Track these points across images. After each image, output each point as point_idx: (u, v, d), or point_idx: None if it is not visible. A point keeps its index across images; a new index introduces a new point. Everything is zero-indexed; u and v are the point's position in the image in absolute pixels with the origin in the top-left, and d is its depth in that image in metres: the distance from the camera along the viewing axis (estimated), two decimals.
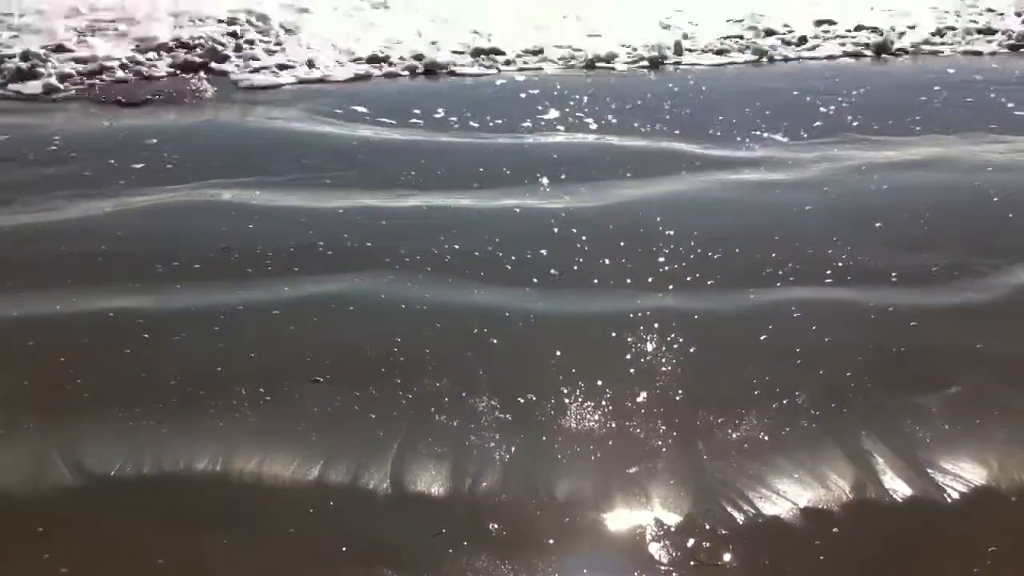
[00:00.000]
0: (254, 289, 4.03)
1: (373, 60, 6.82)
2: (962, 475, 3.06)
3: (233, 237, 4.45)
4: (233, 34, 7.06)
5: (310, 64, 6.67)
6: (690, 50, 7.70)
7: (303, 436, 3.22)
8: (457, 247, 4.38)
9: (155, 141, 5.57)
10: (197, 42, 6.83)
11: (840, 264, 4.22)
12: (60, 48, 6.74)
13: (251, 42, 7.00)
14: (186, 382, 3.48)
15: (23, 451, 3.15)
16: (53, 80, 6.28)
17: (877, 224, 4.59)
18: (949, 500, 2.98)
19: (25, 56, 6.47)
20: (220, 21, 7.32)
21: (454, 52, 7.08)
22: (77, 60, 6.52)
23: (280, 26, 7.20)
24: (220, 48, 6.74)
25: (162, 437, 3.22)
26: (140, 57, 6.55)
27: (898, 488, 3.01)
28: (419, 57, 6.94)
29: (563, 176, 5.12)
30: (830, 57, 7.73)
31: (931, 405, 3.40)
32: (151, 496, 3.00)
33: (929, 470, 3.07)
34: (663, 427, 3.28)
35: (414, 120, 5.99)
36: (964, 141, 5.64)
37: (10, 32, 7.08)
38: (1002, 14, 8.69)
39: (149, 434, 3.24)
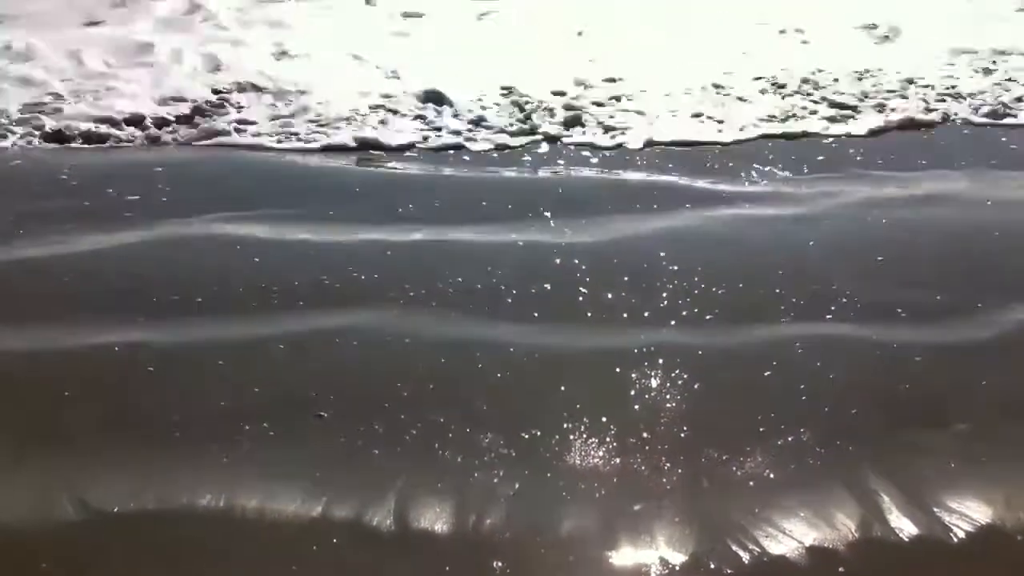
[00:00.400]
0: (259, 323, 4.03)
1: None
2: (969, 514, 3.05)
3: (238, 270, 4.47)
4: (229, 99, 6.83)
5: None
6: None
7: (307, 472, 3.21)
8: (460, 280, 4.38)
9: (160, 170, 5.59)
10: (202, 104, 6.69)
11: (844, 300, 4.23)
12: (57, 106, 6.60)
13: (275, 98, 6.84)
14: (190, 417, 3.48)
15: (26, 486, 3.14)
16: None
17: (880, 260, 4.59)
18: (956, 539, 2.97)
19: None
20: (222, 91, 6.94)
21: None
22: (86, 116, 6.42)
23: (287, 89, 7.00)
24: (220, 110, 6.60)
25: (165, 472, 3.21)
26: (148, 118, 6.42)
27: (904, 527, 3.00)
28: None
29: (566, 210, 5.13)
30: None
31: (937, 442, 3.39)
32: (154, 532, 2.99)
33: (936, 508, 3.06)
34: (667, 464, 3.28)
35: (415, 153, 6.00)
36: (965, 177, 5.64)
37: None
38: None
39: (152, 469, 3.23)
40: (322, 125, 6.32)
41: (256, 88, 6.87)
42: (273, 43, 7.85)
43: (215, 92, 6.77)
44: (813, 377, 3.72)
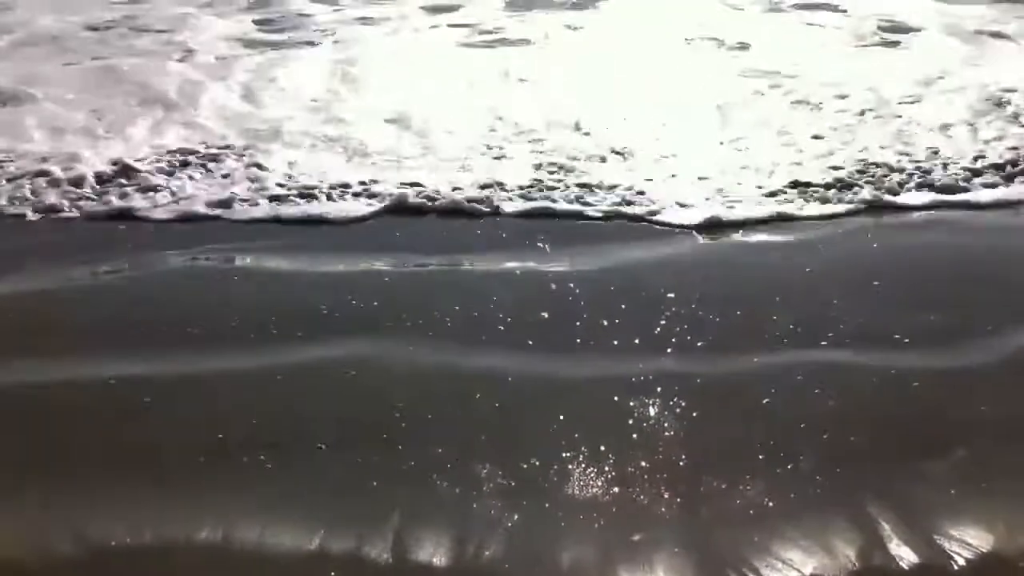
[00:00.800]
0: (257, 354, 4.03)
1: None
2: (969, 541, 3.03)
3: (236, 302, 4.47)
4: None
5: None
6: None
7: (304, 504, 3.20)
8: (457, 309, 4.38)
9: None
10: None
11: (842, 326, 4.22)
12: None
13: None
14: (187, 449, 3.47)
15: (23, 521, 3.14)
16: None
17: (878, 285, 4.59)
18: (956, 567, 2.94)
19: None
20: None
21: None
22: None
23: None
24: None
25: (163, 505, 3.20)
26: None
27: (904, 555, 2.97)
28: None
29: (563, 238, 5.14)
30: None
31: (936, 469, 3.37)
32: (151, 566, 2.98)
33: (936, 536, 3.04)
34: (667, 493, 3.26)
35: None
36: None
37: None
38: None
39: (149, 502, 3.22)
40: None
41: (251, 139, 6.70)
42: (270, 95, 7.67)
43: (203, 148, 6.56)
44: (811, 404, 3.71)
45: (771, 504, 3.19)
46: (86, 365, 3.98)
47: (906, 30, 9.17)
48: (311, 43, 9.08)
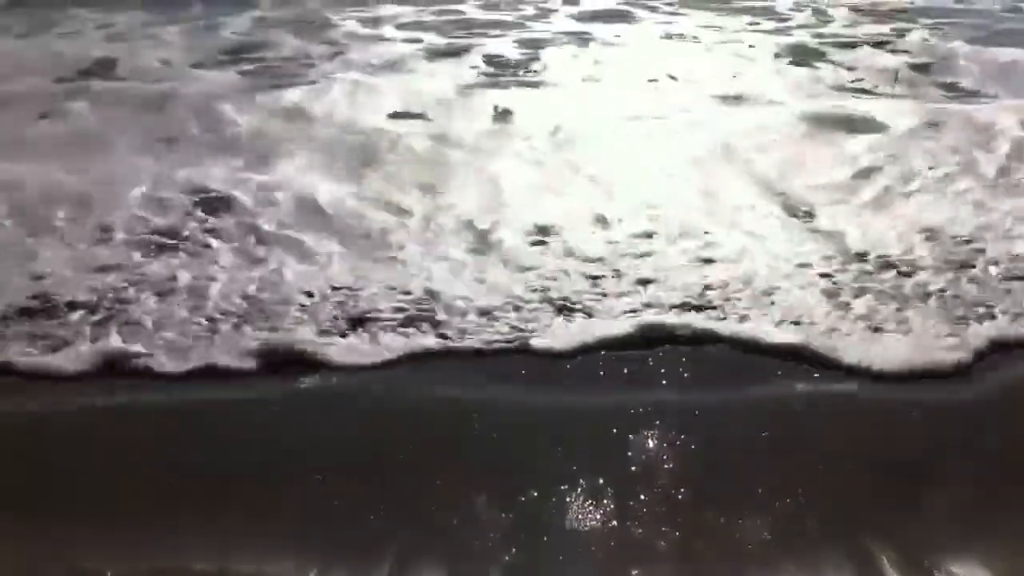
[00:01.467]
0: (256, 385, 4.03)
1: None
2: None
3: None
4: None
5: None
6: None
7: (301, 535, 3.19)
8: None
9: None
10: None
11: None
12: None
13: None
14: (184, 479, 3.46)
15: (17, 552, 3.13)
16: None
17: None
18: None
19: None
20: None
21: None
22: None
23: None
24: None
25: (158, 536, 3.19)
26: None
27: None
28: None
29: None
30: None
31: (935, 503, 3.37)
32: None
33: (935, 571, 3.04)
34: (665, 526, 3.25)
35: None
36: None
37: None
38: None
39: (146, 533, 3.21)
40: None
41: None
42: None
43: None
44: (810, 437, 3.71)
45: (769, 538, 3.18)
46: (84, 394, 3.97)
47: None
48: None
